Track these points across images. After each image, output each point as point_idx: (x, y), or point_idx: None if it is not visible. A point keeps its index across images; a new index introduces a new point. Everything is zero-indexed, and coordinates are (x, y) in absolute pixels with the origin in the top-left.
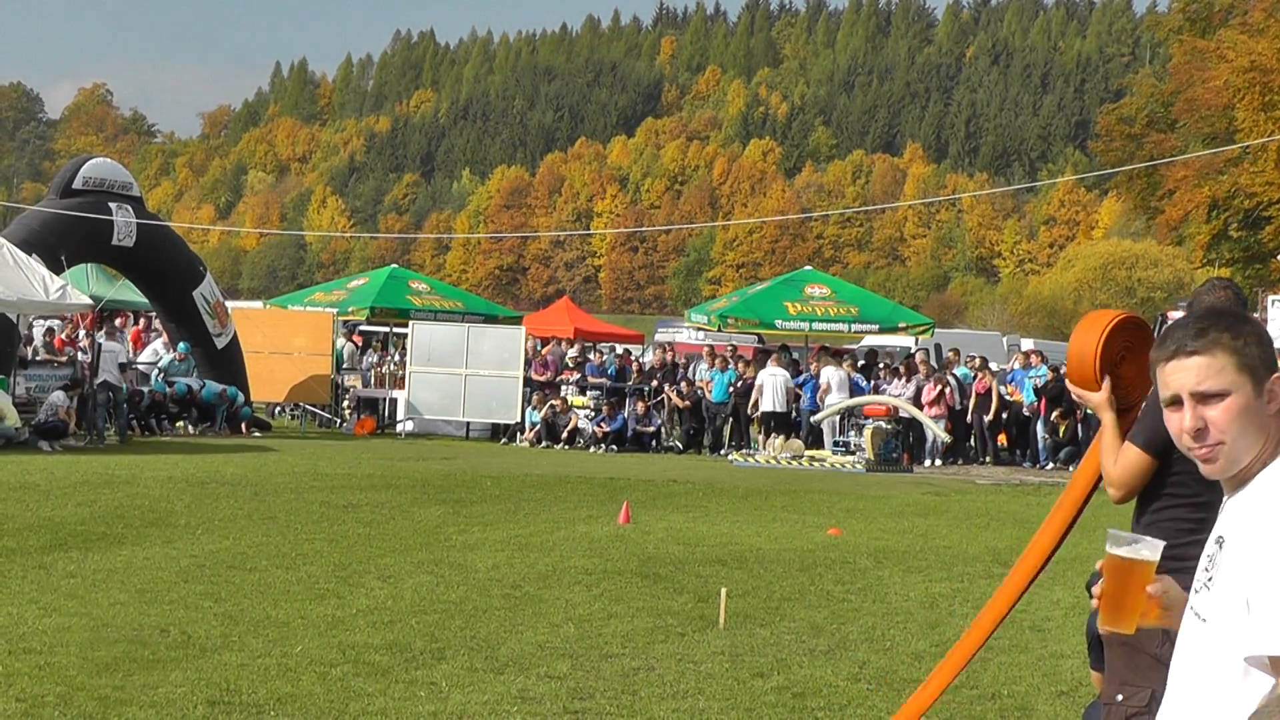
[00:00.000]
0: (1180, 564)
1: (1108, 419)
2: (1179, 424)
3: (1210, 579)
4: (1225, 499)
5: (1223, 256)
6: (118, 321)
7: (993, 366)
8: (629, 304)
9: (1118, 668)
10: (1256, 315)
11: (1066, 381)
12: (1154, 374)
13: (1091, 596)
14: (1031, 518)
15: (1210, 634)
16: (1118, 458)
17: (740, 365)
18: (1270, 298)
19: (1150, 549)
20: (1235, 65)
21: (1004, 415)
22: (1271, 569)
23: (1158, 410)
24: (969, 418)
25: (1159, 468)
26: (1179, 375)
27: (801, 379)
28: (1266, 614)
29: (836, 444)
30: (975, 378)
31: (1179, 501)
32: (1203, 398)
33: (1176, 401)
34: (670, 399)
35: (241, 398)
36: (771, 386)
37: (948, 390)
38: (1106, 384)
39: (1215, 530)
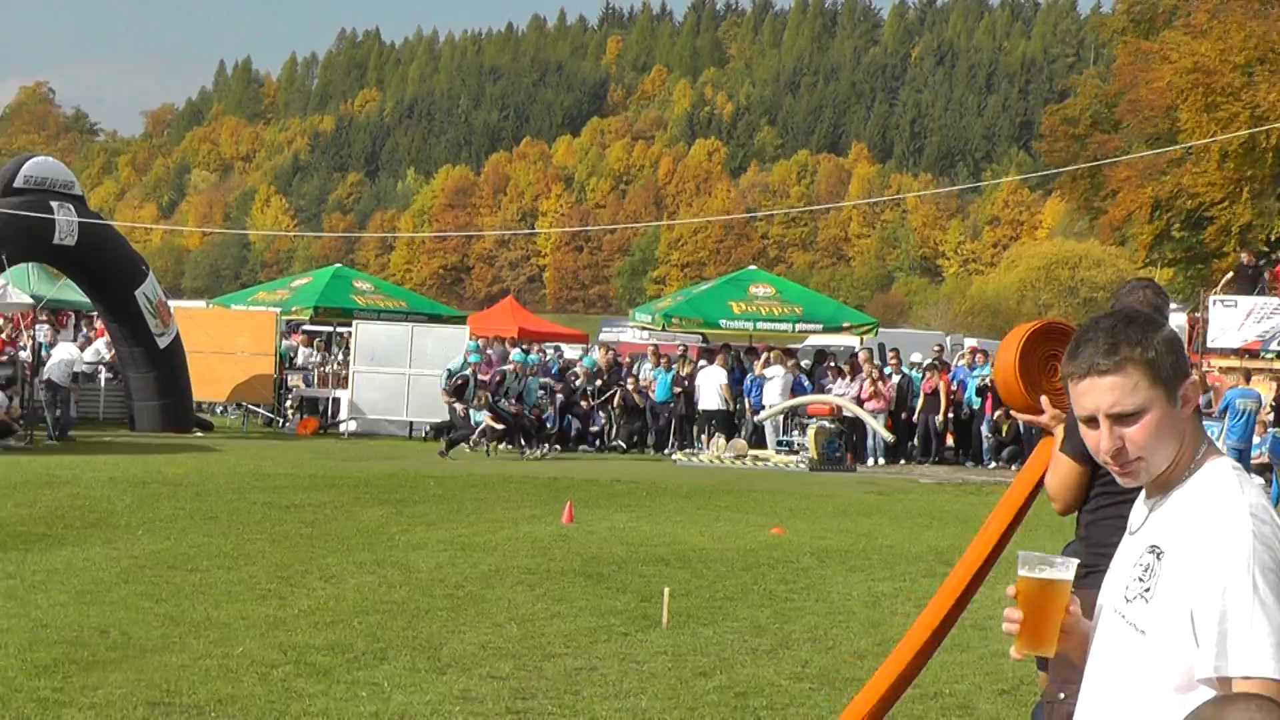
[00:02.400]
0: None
1: (1058, 433)
2: (1096, 441)
3: (1148, 590)
4: (1148, 502)
5: (1165, 257)
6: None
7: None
8: (573, 303)
9: (1060, 666)
10: (1198, 315)
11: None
12: (1065, 387)
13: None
14: (974, 517)
15: (1151, 647)
16: (1053, 470)
17: (682, 365)
18: (1212, 297)
19: (1064, 568)
20: (1178, 66)
21: (950, 415)
22: (1214, 586)
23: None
24: (915, 417)
25: (1094, 470)
26: (1093, 395)
27: (746, 379)
28: (1213, 634)
29: (780, 443)
30: (924, 377)
31: (1114, 499)
32: (1118, 418)
33: (1092, 420)
34: (619, 399)
35: None
36: (709, 386)
37: (885, 386)
38: (1046, 403)
39: (1144, 535)
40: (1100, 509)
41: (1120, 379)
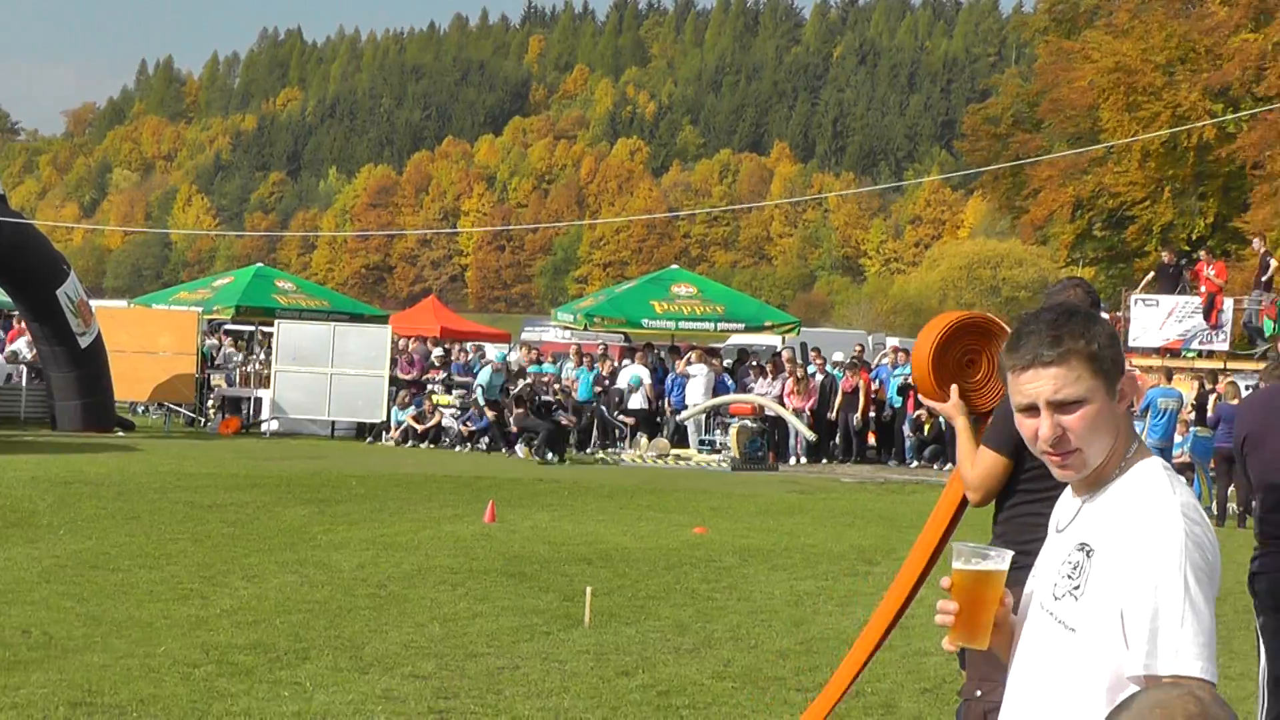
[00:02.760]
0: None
1: (960, 424)
2: (1034, 430)
3: (1078, 588)
4: (1078, 500)
5: (1087, 256)
6: None
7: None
8: (496, 303)
9: (977, 663)
10: (1119, 315)
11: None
12: (1004, 379)
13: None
14: (896, 515)
15: (1080, 644)
16: (974, 462)
17: (603, 364)
18: (1134, 297)
19: (1000, 559)
20: (1100, 66)
21: (871, 414)
22: (1145, 585)
23: (1009, 413)
24: (834, 416)
25: (1014, 467)
26: (1035, 385)
27: (668, 378)
28: (1144, 632)
29: (702, 443)
30: (843, 375)
31: (1034, 498)
32: (1059, 406)
33: (1032, 408)
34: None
35: None
36: (629, 385)
37: (808, 385)
38: (954, 392)
39: (1073, 533)
40: (1016, 507)
41: (1063, 370)
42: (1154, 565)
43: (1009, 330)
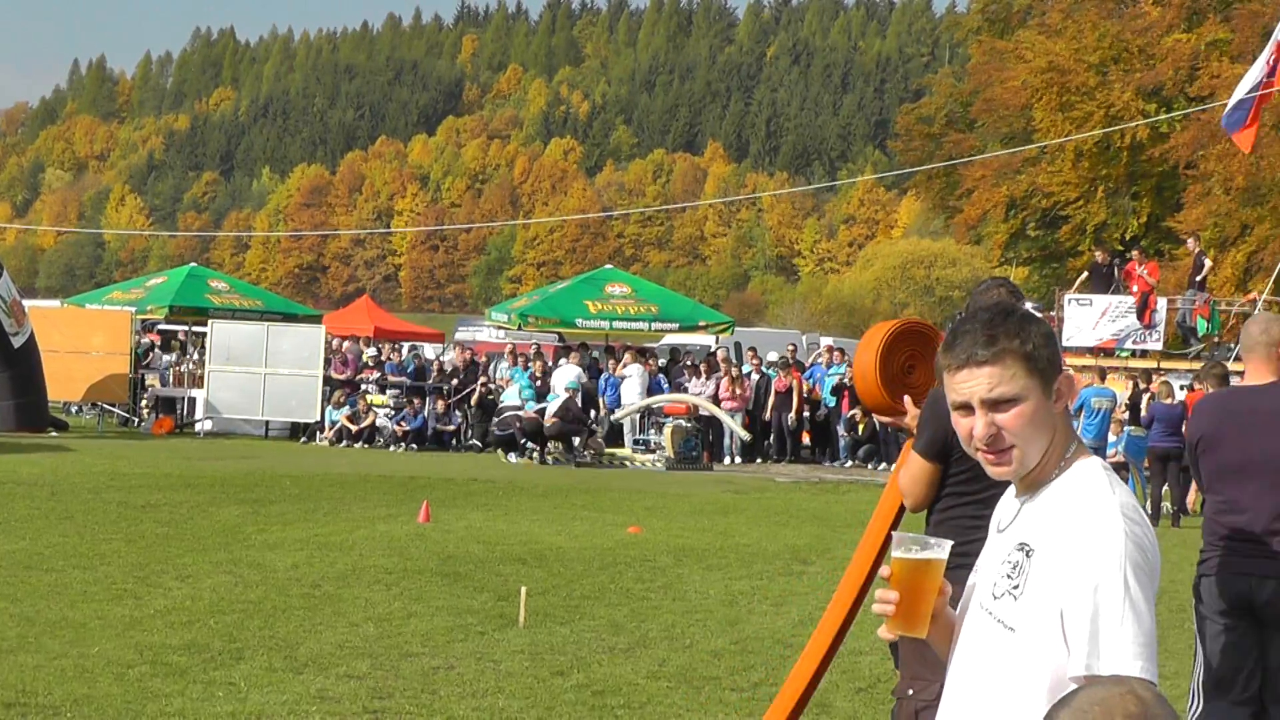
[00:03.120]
0: (970, 560)
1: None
2: (969, 429)
3: (1017, 587)
4: (1019, 500)
5: (1020, 255)
6: None
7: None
8: (429, 303)
9: (909, 662)
10: (1053, 314)
11: (872, 413)
12: (940, 378)
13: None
14: (831, 515)
15: (1020, 644)
16: (906, 467)
17: (536, 363)
18: (1067, 296)
19: (940, 548)
20: (1033, 66)
21: (805, 413)
22: (1085, 585)
23: (934, 415)
24: (768, 415)
25: (942, 471)
26: (971, 384)
27: (601, 378)
28: (1084, 632)
29: (636, 442)
30: (777, 375)
31: (964, 500)
32: (994, 404)
33: (967, 407)
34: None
35: None
36: (563, 385)
37: (743, 385)
38: (909, 404)
39: (1013, 532)
40: (949, 509)
41: (998, 369)
42: (1094, 565)
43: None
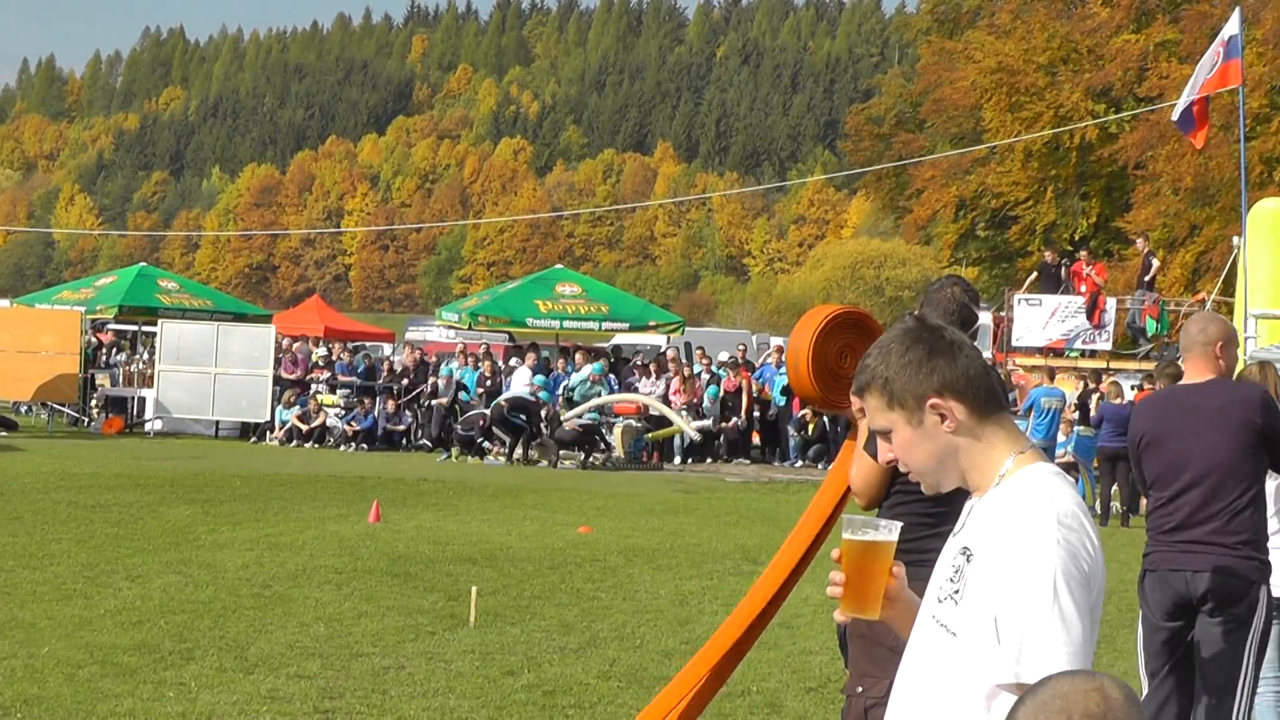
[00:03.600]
0: (920, 557)
1: (861, 426)
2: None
3: (958, 591)
4: (971, 502)
5: (970, 256)
6: None
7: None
8: (379, 302)
9: (857, 660)
10: (1003, 314)
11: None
12: None
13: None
14: (781, 515)
15: (961, 650)
16: (858, 467)
17: (485, 363)
18: (1017, 296)
19: (888, 529)
20: (982, 66)
21: (755, 413)
22: (1016, 592)
23: None
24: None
25: (892, 471)
26: (866, 411)
27: (553, 377)
28: (1013, 639)
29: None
30: (726, 375)
31: (911, 497)
32: (883, 433)
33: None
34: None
35: None
36: (518, 385)
37: (694, 384)
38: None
39: (962, 536)
40: (896, 507)
41: (869, 400)
42: (1023, 573)
43: (881, 325)
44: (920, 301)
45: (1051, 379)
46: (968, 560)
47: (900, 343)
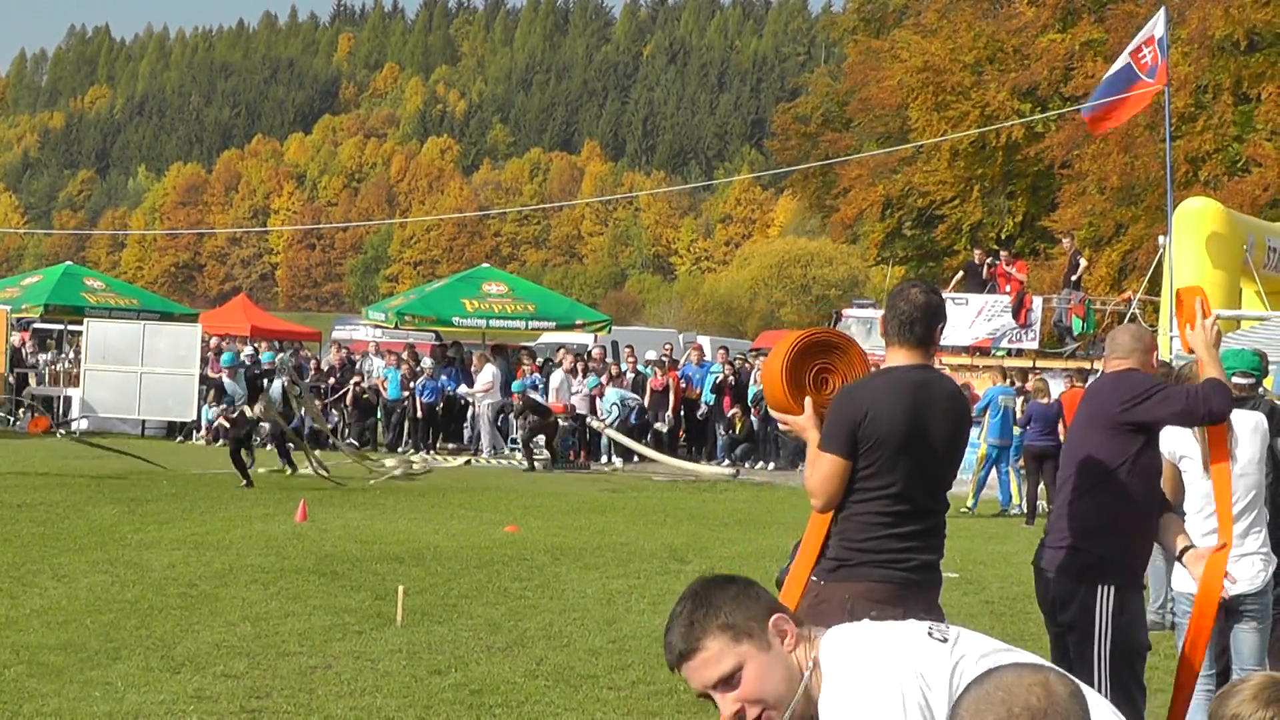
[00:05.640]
0: (875, 556)
1: (811, 438)
2: (724, 715)
3: None
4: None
5: (896, 254)
6: None
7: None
8: (306, 301)
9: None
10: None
11: (771, 412)
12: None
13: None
14: (707, 513)
15: None
16: (814, 468)
17: (410, 363)
18: (943, 294)
19: None
20: (909, 65)
21: (682, 412)
22: None
23: (839, 412)
24: (646, 415)
25: (852, 468)
26: (694, 680)
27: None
28: None
29: (513, 441)
30: (653, 374)
31: (869, 496)
32: (724, 683)
33: (708, 696)
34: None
35: None
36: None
37: (622, 383)
38: (808, 407)
39: None
40: (853, 506)
41: (705, 655)
42: None
43: (856, 342)
44: (885, 305)
45: (1004, 377)
46: None
47: (713, 591)
